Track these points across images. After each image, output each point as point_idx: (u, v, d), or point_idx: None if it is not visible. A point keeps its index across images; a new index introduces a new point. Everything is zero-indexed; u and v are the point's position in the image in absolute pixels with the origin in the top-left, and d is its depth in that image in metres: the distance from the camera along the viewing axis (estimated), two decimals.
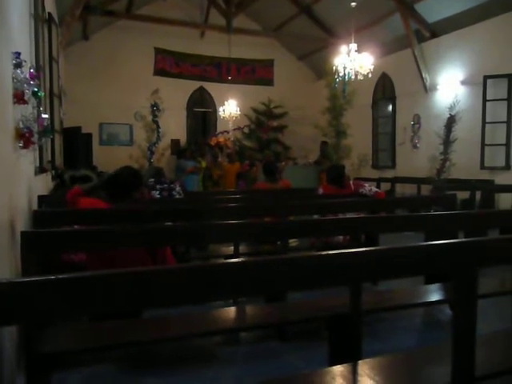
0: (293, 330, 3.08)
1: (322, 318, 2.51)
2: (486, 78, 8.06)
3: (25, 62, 2.48)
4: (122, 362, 2.60)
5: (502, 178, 7.72)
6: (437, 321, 3.39)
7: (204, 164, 9.65)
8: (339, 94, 9.90)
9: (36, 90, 2.66)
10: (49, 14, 5.05)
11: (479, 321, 1.49)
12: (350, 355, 2.16)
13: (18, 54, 2.38)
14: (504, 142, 7.89)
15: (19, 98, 2.38)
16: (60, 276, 1.03)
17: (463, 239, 1.74)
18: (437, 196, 5.82)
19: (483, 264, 1.61)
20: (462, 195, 6.61)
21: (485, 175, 8.04)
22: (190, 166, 9.40)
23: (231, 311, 2.47)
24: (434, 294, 2.90)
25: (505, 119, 7.89)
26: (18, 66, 2.35)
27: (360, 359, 1.85)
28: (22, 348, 2.07)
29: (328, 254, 1.35)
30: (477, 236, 2.95)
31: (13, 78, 2.33)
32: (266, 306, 2.75)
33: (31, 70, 2.76)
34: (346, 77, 8.08)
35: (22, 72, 2.39)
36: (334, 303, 2.54)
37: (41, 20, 4.20)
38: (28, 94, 2.48)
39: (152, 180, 4.51)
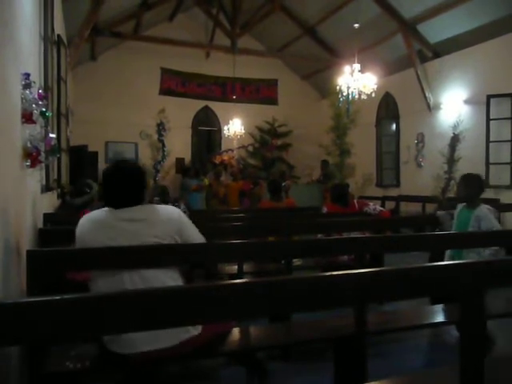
0: (297, 350, 3.04)
1: (327, 339, 2.48)
2: (489, 97, 8.11)
3: (34, 82, 2.52)
4: (125, 382, 2.56)
5: (506, 197, 7.68)
6: (444, 342, 3.34)
7: (207, 182, 9.68)
8: (343, 113, 9.99)
9: (44, 110, 2.69)
10: (58, 35, 5.15)
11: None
12: (355, 377, 2.13)
13: (28, 74, 2.42)
14: (508, 160, 7.88)
15: (27, 118, 2.41)
16: (65, 296, 1.03)
17: (470, 260, 1.73)
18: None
19: (490, 285, 1.59)
20: None
21: (489, 194, 7.99)
22: (193, 184, 9.43)
23: (235, 332, 2.44)
24: (441, 315, 2.86)
25: (509, 138, 7.90)
26: (27, 86, 2.39)
27: (366, 381, 1.82)
28: (24, 368, 2.05)
29: (333, 275, 1.35)
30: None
31: (22, 99, 2.37)
32: (270, 327, 2.72)
33: (40, 91, 2.81)
34: (350, 96, 8.15)
35: (30, 92, 2.43)
36: (340, 323, 2.51)
37: (50, 41, 4.28)
38: (36, 114, 2.51)
39: (157, 198, 4.52)
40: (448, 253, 3.47)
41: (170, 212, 2.07)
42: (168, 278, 1.95)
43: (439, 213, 4.00)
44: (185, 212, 4.47)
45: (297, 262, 4.07)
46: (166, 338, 1.83)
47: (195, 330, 1.92)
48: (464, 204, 3.54)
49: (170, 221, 2.03)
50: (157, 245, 1.96)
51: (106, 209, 2.02)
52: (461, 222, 3.49)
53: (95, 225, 2.00)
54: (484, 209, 3.40)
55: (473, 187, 3.48)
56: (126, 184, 1.99)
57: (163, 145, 11.15)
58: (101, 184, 2.07)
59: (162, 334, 1.81)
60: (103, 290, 1.91)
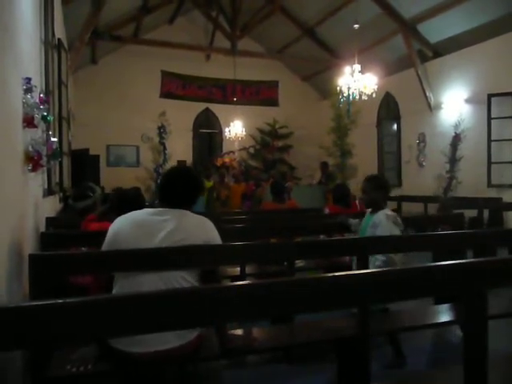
0: (300, 352, 3.04)
1: (330, 341, 2.47)
2: (490, 96, 8.10)
3: (35, 87, 2.53)
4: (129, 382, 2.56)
5: (509, 196, 7.67)
6: (447, 342, 3.33)
7: (209, 184, 9.67)
8: (344, 114, 9.98)
9: (45, 114, 2.70)
10: (58, 39, 5.17)
11: (493, 342, 1.46)
12: (358, 378, 2.12)
13: (29, 79, 2.43)
14: (511, 159, 7.87)
15: (29, 123, 2.42)
16: (67, 300, 1.03)
17: (473, 259, 1.72)
18: (444, 215, 5.79)
19: (493, 285, 1.58)
20: (470, 213, 6.56)
21: (492, 193, 7.99)
22: None
23: (238, 333, 2.44)
24: (444, 315, 2.86)
25: (511, 137, 7.88)
26: (28, 91, 2.40)
27: (369, 382, 1.82)
28: (27, 372, 2.05)
29: (335, 276, 1.34)
30: (486, 255, 2.92)
31: (23, 103, 2.38)
32: (272, 328, 2.72)
33: (41, 95, 2.82)
34: (350, 97, 8.14)
35: (32, 97, 2.43)
36: (342, 324, 2.51)
37: (51, 46, 4.29)
38: (37, 118, 2.52)
39: (158, 202, 4.51)
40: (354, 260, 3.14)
41: (202, 222, 2.11)
42: (183, 280, 1.95)
43: (352, 221, 3.58)
44: None
45: (299, 263, 4.06)
46: (174, 337, 1.84)
47: (197, 330, 1.94)
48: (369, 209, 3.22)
49: (201, 230, 2.07)
50: (159, 247, 1.96)
51: (145, 210, 2.09)
52: (362, 229, 3.20)
53: (132, 224, 2.02)
54: (381, 215, 3.03)
55: (374, 190, 3.14)
56: (184, 187, 2.11)
57: (164, 147, 11.18)
58: (160, 183, 2.16)
59: (170, 333, 1.81)
60: (123, 291, 1.90)
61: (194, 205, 2.17)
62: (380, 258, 2.85)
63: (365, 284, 1.36)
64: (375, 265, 2.84)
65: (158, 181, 10.94)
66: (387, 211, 3.08)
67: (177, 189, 2.09)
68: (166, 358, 1.84)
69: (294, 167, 13.06)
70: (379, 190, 3.16)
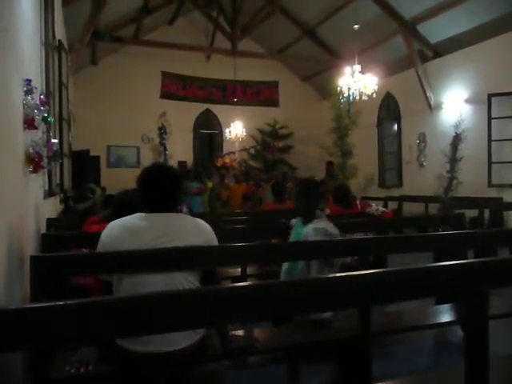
0: (301, 352, 3.03)
1: (331, 341, 2.47)
2: (490, 96, 8.10)
3: (35, 88, 2.54)
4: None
5: (510, 196, 7.66)
6: (449, 343, 3.33)
7: (210, 185, 9.67)
8: (344, 114, 9.98)
9: (46, 115, 2.71)
10: (59, 41, 5.17)
11: (495, 343, 1.46)
12: (359, 379, 2.12)
13: (29, 80, 2.43)
14: (511, 159, 7.86)
15: (29, 124, 2.42)
16: (69, 301, 1.03)
17: (474, 259, 1.72)
18: (445, 215, 5.79)
19: (494, 285, 1.58)
20: (470, 213, 6.56)
21: (492, 193, 7.99)
22: (194, 187, 9.41)
23: (239, 334, 2.44)
24: (445, 315, 2.85)
25: (511, 137, 7.88)
26: (28, 92, 2.40)
27: (370, 383, 1.82)
28: (28, 373, 2.05)
29: (336, 277, 1.35)
30: (486, 255, 2.92)
31: (23, 105, 2.38)
32: (273, 329, 2.71)
33: (41, 96, 2.82)
34: (351, 97, 8.15)
35: (32, 98, 2.44)
36: (343, 325, 2.51)
37: (51, 47, 4.30)
38: (38, 119, 2.52)
39: None
40: (284, 266, 2.94)
41: (199, 224, 2.07)
42: (185, 281, 1.94)
43: (294, 221, 3.26)
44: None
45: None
46: (180, 338, 1.83)
47: (202, 331, 1.94)
48: (300, 218, 2.92)
49: (200, 232, 2.04)
50: (160, 248, 1.95)
51: (137, 215, 2.00)
52: (294, 238, 2.94)
53: (125, 231, 1.97)
54: (309, 230, 2.72)
55: (304, 198, 2.84)
56: (166, 188, 2.01)
57: (165, 148, 11.19)
58: (140, 184, 2.05)
59: (176, 333, 1.80)
60: (126, 292, 1.89)
61: (178, 204, 2.08)
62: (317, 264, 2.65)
63: (365, 284, 1.36)
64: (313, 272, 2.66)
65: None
66: (317, 224, 2.74)
67: (164, 189, 2.00)
68: (171, 358, 1.84)
69: (294, 167, 13.06)
70: (309, 197, 2.83)
